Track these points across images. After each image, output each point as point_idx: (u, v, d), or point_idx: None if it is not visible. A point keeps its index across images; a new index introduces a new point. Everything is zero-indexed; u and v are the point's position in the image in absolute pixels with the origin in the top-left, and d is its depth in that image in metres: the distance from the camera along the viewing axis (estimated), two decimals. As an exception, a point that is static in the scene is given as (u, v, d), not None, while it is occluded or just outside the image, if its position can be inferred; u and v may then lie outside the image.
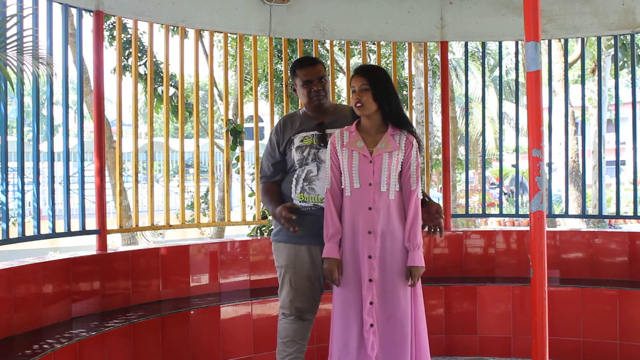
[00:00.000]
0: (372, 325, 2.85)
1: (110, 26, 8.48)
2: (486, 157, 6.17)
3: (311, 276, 3.14)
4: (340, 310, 2.93)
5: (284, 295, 3.20)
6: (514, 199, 8.75)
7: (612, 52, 5.48)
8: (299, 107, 3.55)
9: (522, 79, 13.94)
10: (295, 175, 3.15)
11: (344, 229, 2.92)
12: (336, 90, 8.49)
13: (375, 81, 2.91)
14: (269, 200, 3.22)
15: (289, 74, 3.38)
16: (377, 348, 2.85)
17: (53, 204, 3.91)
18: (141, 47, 8.74)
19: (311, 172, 3.11)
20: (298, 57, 5.08)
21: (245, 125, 5.18)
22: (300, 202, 3.12)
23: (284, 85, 5.17)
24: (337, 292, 2.94)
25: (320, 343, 4.21)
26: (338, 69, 12.51)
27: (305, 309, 3.18)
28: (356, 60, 12.55)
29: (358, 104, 2.90)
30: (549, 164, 5.15)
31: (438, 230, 3.11)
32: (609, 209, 13.90)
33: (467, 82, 5.39)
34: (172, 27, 4.68)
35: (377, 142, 2.92)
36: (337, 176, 2.95)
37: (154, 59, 8.29)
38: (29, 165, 4.25)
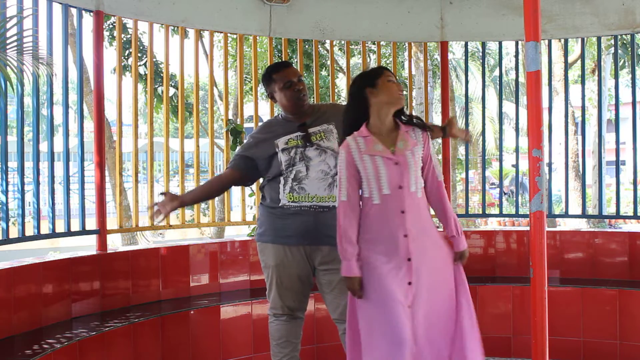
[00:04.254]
0: (412, 325, 2.68)
1: (110, 26, 8.48)
2: (486, 157, 6.16)
3: (301, 275, 3.14)
4: (377, 317, 2.72)
5: (274, 295, 3.19)
6: (514, 199, 8.74)
7: (612, 52, 5.48)
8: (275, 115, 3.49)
9: (522, 79, 13.94)
10: (283, 176, 3.11)
11: (376, 237, 2.76)
12: (336, 90, 8.47)
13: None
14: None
15: (263, 83, 3.27)
16: (421, 342, 2.69)
17: (53, 204, 3.91)
18: (141, 47, 8.74)
19: (300, 172, 3.08)
20: (298, 57, 5.10)
21: (245, 125, 5.18)
22: (289, 202, 3.09)
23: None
24: (373, 300, 2.74)
25: (320, 343, 4.22)
26: (338, 69, 12.52)
27: (297, 307, 3.20)
28: (356, 60, 12.56)
29: (401, 93, 2.80)
30: (549, 164, 5.15)
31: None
32: (609, 209, 13.90)
33: (467, 82, 5.39)
34: (172, 27, 4.68)
35: (393, 141, 2.80)
36: (354, 187, 2.77)
37: (154, 59, 8.28)
38: (29, 165, 4.25)
